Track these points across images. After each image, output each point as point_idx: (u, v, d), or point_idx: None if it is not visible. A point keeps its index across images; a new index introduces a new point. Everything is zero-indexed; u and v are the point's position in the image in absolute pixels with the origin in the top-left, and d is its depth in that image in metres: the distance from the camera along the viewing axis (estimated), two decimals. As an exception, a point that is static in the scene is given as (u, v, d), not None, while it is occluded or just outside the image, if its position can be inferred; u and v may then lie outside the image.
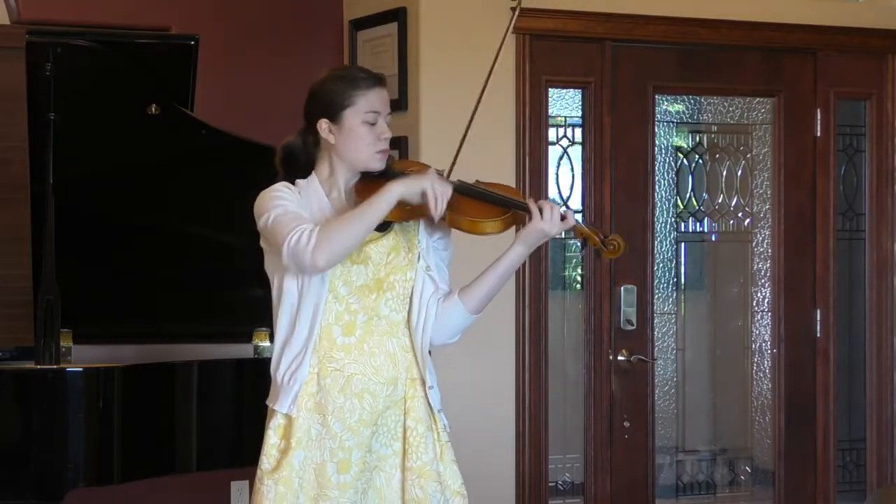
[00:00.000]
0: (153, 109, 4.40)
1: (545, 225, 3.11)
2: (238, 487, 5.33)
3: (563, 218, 3.14)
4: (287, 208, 3.05)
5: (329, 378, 3.08)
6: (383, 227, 3.09)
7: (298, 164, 3.19)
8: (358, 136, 3.10)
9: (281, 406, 3.08)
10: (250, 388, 4.41)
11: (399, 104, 5.06)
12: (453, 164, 3.20)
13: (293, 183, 3.16)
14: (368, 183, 3.13)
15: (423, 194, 3.01)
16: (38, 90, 4.22)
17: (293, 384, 3.07)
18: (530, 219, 3.12)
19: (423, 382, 3.15)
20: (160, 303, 4.68)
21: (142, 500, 5.07)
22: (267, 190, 3.13)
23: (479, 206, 3.14)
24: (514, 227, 3.18)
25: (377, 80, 3.15)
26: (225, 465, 4.48)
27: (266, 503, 3.05)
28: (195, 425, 4.29)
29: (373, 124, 3.11)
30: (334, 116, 3.11)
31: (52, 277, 4.22)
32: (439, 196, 3.02)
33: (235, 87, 5.35)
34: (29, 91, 4.24)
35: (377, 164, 3.13)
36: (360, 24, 5.42)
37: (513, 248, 3.17)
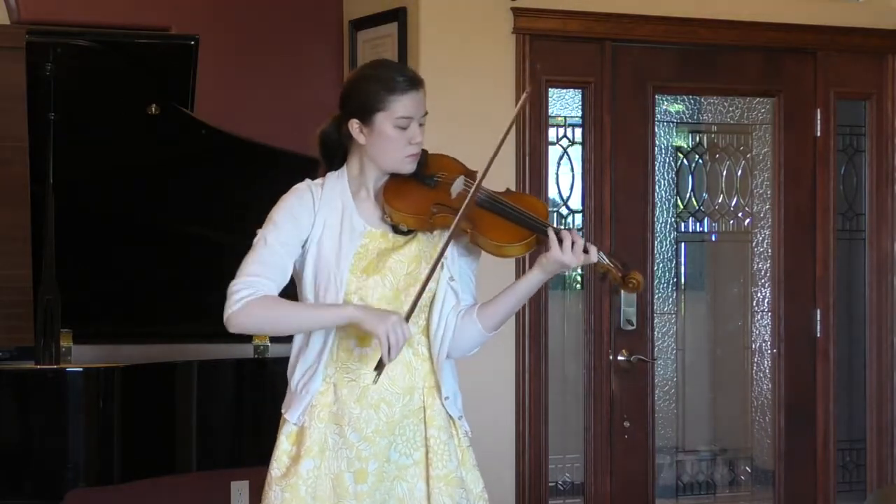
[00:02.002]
0: (153, 109, 4.40)
1: (565, 258, 3.02)
2: (238, 487, 5.33)
3: (586, 251, 3.03)
4: (267, 239, 3.02)
5: (346, 388, 3.05)
6: (406, 233, 3.06)
7: (335, 152, 3.13)
8: (388, 139, 3.03)
9: (291, 416, 3.07)
10: (250, 388, 4.42)
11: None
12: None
13: (325, 174, 3.12)
14: (399, 186, 3.08)
15: (377, 338, 2.93)
16: (38, 90, 4.22)
17: (305, 395, 3.06)
18: (550, 246, 3.03)
19: (440, 391, 3.11)
20: (160, 302, 4.68)
21: (142, 500, 5.07)
22: (286, 195, 3.09)
23: (502, 225, 3.05)
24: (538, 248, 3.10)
25: (413, 84, 3.05)
26: (225, 465, 4.48)
27: None
28: (195, 425, 4.30)
29: (404, 128, 3.03)
30: (366, 119, 3.03)
31: (52, 277, 4.22)
32: (393, 346, 2.92)
33: (235, 87, 5.35)
34: (29, 91, 4.24)
35: (407, 168, 3.07)
36: (360, 24, 5.42)
37: (531, 274, 3.09)
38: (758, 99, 5.65)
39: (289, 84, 5.45)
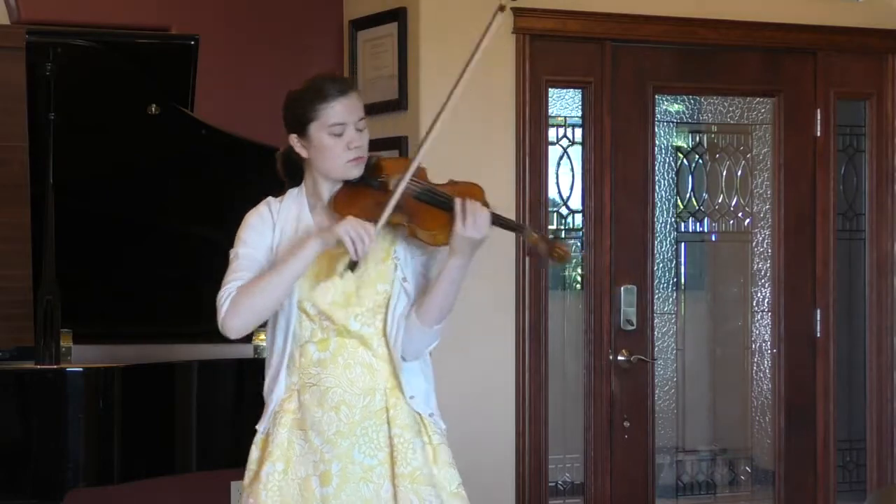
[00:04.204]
0: (153, 109, 4.40)
1: (467, 232, 3.00)
2: (238, 487, 5.32)
3: (485, 219, 3.00)
4: (238, 252, 3.10)
5: (308, 394, 3.10)
6: None
7: (296, 171, 3.21)
8: (326, 148, 3.08)
9: (259, 424, 3.17)
10: (250, 388, 4.41)
11: (399, 104, 5.06)
12: (419, 150, 3.08)
13: (285, 192, 3.19)
14: (348, 192, 3.11)
15: (341, 242, 2.97)
16: (38, 90, 4.22)
17: (271, 403, 3.14)
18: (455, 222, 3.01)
19: (404, 392, 3.12)
20: (160, 302, 4.68)
21: (142, 500, 5.07)
22: (247, 215, 3.17)
23: (434, 213, 3.06)
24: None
25: (343, 90, 3.09)
26: (225, 465, 4.47)
27: None
28: (195, 425, 4.30)
29: (340, 135, 3.07)
30: (302, 131, 3.10)
31: (52, 277, 4.22)
32: (356, 239, 2.95)
33: (236, 87, 5.35)
34: (29, 91, 4.24)
35: (353, 173, 3.11)
36: (360, 24, 5.42)
37: (449, 262, 3.06)
38: (758, 99, 5.65)
39: (289, 84, 5.40)
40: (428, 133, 3.11)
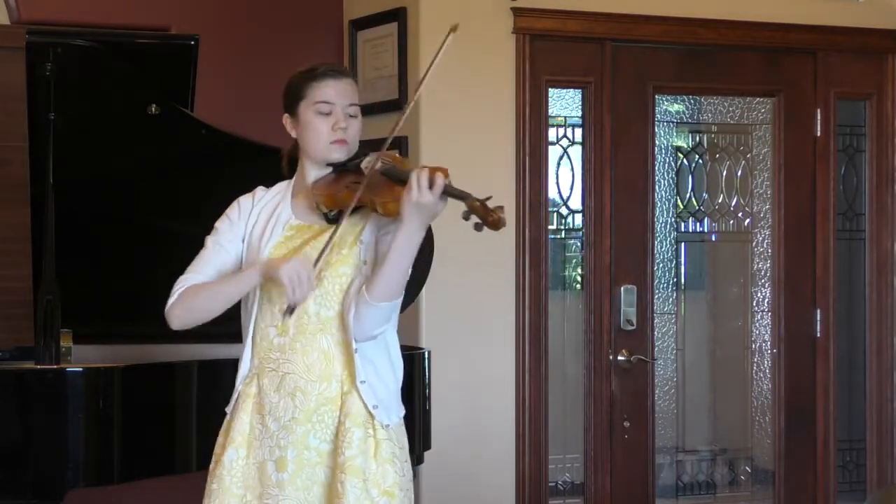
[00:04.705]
0: (153, 109, 4.39)
1: (416, 197, 2.93)
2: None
3: (431, 185, 2.93)
4: (208, 244, 3.21)
5: (267, 379, 3.12)
6: (335, 219, 3.08)
7: (296, 164, 3.25)
8: (312, 126, 3.13)
9: (228, 406, 3.20)
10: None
11: (399, 104, 5.06)
12: (386, 144, 3.07)
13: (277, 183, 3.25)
14: (331, 176, 3.13)
15: (280, 281, 3.00)
16: (38, 90, 4.21)
17: (237, 385, 3.17)
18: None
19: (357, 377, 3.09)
20: (160, 303, 4.67)
21: (142, 500, 5.07)
22: (235, 201, 3.26)
23: (396, 188, 3.02)
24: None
25: (334, 73, 3.17)
26: (225, 465, 4.46)
27: (206, 499, 3.20)
28: (195, 425, 4.29)
29: (327, 114, 3.12)
30: (292, 111, 3.17)
31: (52, 277, 4.21)
32: (296, 285, 2.97)
33: (236, 87, 5.35)
34: (29, 91, 4.23)
35: (336, 155, 3.13)
36: (360, 24, 5.42)
37: (398, 231, 3.00)
38: (758, 99, 5.66)
39: (289, 84, 5.44)
40: (397, 123, 3.12)
